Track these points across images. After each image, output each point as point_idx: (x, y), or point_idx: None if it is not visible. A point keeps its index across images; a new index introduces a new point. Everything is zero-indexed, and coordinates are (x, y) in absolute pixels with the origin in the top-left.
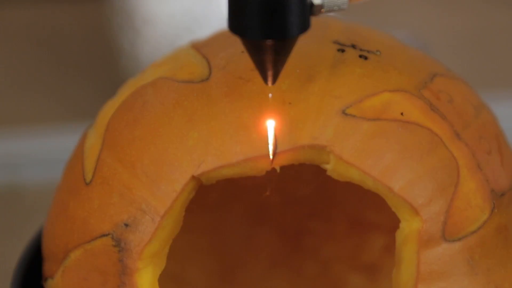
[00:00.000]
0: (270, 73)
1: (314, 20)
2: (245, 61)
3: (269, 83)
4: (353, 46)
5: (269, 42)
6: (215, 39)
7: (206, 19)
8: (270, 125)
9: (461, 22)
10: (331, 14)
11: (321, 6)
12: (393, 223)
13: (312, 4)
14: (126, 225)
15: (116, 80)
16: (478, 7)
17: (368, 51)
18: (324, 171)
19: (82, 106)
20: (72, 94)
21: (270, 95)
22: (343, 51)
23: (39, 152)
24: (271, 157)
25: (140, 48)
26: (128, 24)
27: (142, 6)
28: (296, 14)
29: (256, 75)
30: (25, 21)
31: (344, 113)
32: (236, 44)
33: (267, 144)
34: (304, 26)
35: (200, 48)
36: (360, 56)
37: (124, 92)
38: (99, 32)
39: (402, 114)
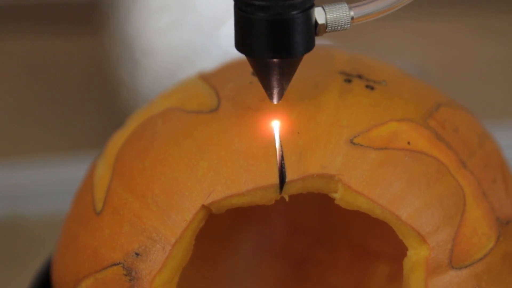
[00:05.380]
0: (275, 91)
1: (320, 51)
2: (254, 92)
3: (275, 100)
4: (359, 77)
5: (275, 61)
6: (223, 70)
7: (206, 50)
8: (279, 155)
9: (460, 50)
10: (332, 43)
11: (325, 26)
12: (397, 251)
13: (316, 24)
14: (137, 254)
15: (116, 112)
16: (476, 36)
17: (374, 81)
18: (327, 199)
19: (82, 137)
20: (72, 126)
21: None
22: (349, 81)
23: (41, 184)
24: (280, 186)
25: (140, 80)
26: (128, 56)
27: (141, 37)
28: (301, 34)
29: (265, 106)
30: (24, 53)
31: (352, 142)
32: (244, 75)
33: (276, 173)
34: (309, 46)
35: (209, 78)
36: (367, 86)
37: (133, 123)
38: (98, 63)
39: (409, 143)
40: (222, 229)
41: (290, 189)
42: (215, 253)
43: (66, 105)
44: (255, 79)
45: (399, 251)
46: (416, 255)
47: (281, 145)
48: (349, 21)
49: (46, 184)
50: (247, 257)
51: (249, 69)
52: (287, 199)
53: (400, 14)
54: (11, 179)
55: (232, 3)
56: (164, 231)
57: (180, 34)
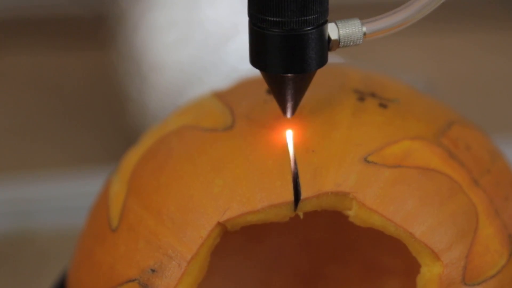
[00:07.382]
0: (289, 105)
1: (333, 69)
2: (268, 110)
3: (288, 115)
4: (373, 95)
5: (288, 75)
6: (237, 88)
7: (214, 66)
8: (294, 172)
9: (466, 65)
10: (339, 56)
11: (337, 42)
12: (408, 267)
13: (329, 40)
14: (153, 270)
15: (123, 127)
16: (483, 51)
17: (387, 100)
18: (339, 214)
19: (90, 152)
20: (80, 141)
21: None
22: (363, 99)
23: (49, 198)
24: (294, 203)
25: (147, 95)
26: (135, 71)
27: (149, 53)
28: (315, 50)
29: (279, 124)
30: (32, 68)
31: (366, 160)
32: (259, 93)
33: (291, 190)
34: (322, 61)
35: (223, 96)
36: (380, 105)
37: (147, 140)
38: (106, 79)
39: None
40: (234, 244)
41: (305, 207)
42: (225, 268)
43: (74, 120)
44: (269, 98)
45: (412, 266)
46: (430, 272)
47: (295, 163)
48: (361, 37)
49: (54, 199)
50: (259, 273)
51: (264, 87)
52: (301, 217)
53: (407, 28)
54: (20, 194)
55: (239, 18)
56: (180, 248)
57: (187, 50)
